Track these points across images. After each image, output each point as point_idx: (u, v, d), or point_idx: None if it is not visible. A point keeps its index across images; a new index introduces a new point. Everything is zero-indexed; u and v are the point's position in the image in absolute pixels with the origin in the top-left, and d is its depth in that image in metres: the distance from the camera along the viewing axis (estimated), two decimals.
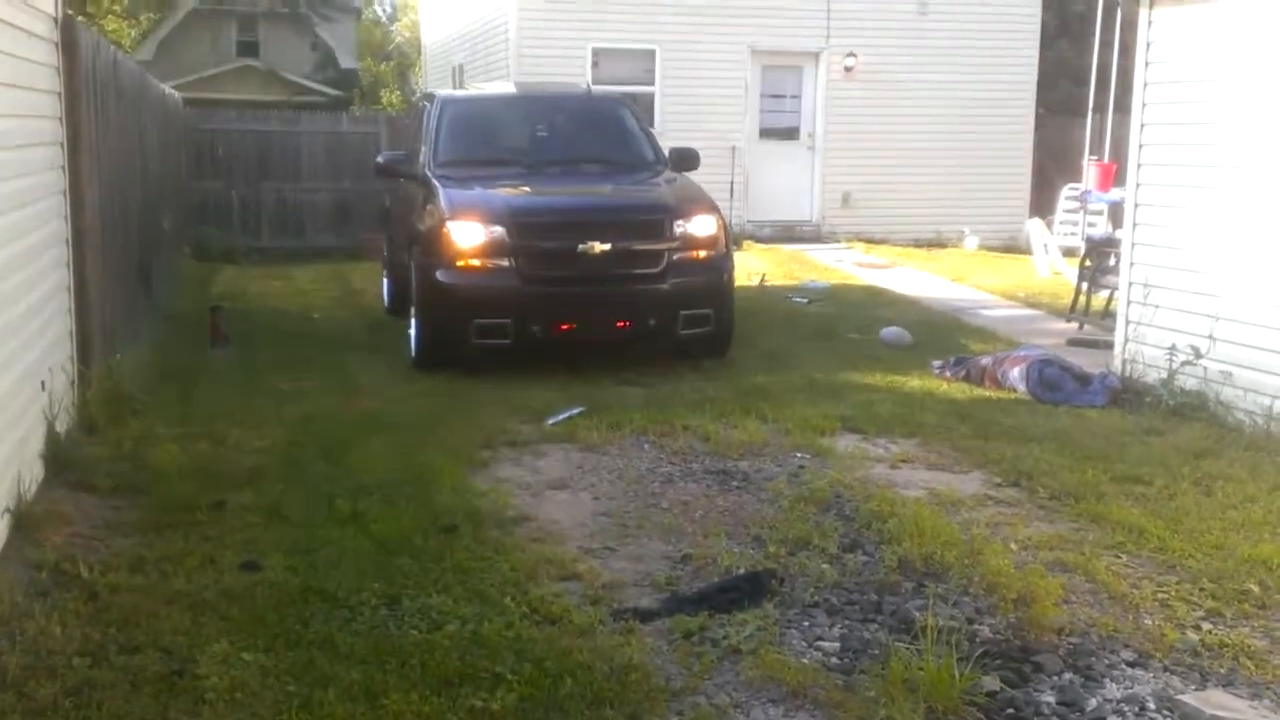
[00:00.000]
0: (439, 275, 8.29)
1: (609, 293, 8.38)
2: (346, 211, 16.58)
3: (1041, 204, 17.67)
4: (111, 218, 7.93)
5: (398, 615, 4.35)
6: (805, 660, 4.10)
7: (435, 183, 8.91)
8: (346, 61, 33.05)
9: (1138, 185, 8.60)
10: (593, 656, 4.04)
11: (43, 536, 4.97)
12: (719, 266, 8.77)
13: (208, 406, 7.41)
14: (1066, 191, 16.55)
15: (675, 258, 8.47)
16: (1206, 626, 4.44)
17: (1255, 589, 4.74)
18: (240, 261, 15.29)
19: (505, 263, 8.22)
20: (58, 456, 5.81)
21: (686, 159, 9.76)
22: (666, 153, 9.86)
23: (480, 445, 6.65)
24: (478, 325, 8.21)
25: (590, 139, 10.15)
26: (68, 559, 4.71)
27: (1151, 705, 3.83)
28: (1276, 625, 4.44)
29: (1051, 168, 18.13)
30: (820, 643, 4.26)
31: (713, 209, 8.87)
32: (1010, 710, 3.78)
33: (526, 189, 9.11)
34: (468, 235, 8.24)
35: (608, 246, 8.24)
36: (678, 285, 8.45)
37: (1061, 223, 16.37)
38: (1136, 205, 8.61)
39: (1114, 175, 14.81)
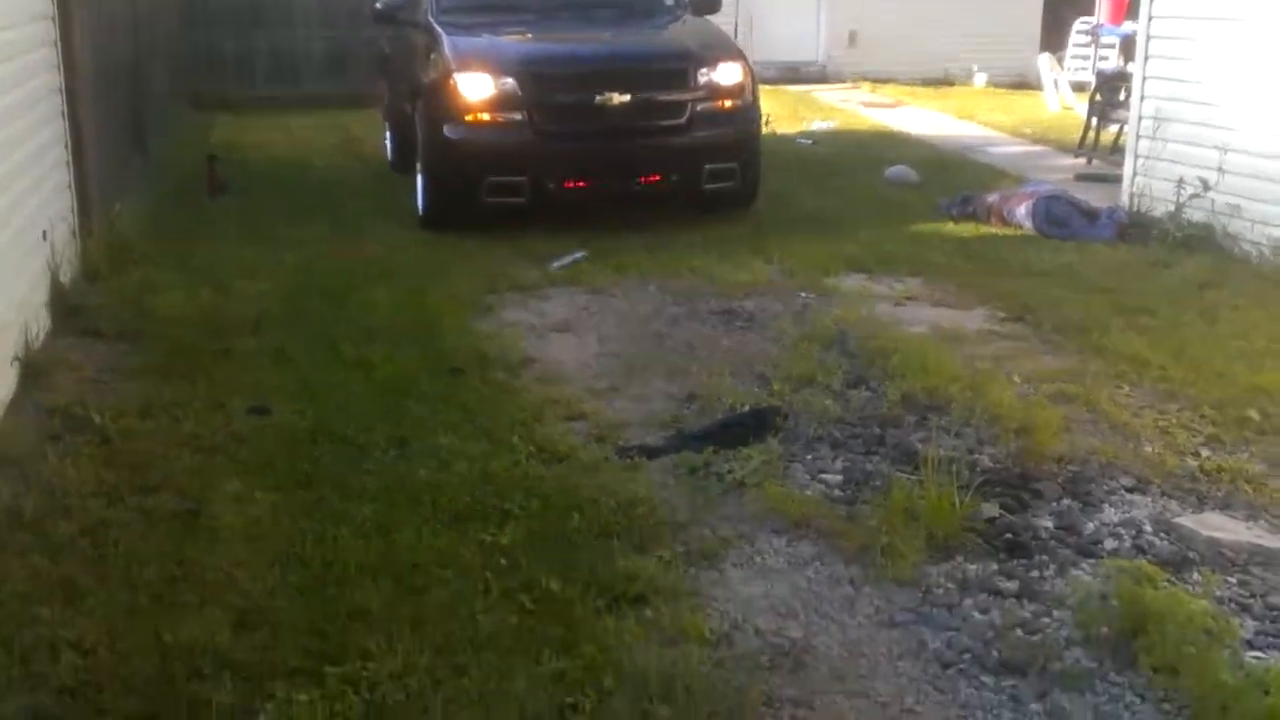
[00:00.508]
0: (447, 131, 7.82)
1: (629, 147, 7.91)
2: (341, 58, 16.21)
3: (1052, 39, 17.23)
4: (103, 68, 7.77)
5: (407, 455, 4.41)
6: (808, 492, 4.17)
7: (439, 31, 8.33)
8: None
9: (1150, 17, 8.39)
10: (599, 492, 4.11)
11: (52, 382, 5.02)
12: (746, 117, 8.27)
13: (209, 254, 7.38)
14: (1078, 25, 16.13)
15: (699, 108, 7.96)
16: (1205, 453, 4.49)
17: (1255, 416, 4.78)
18: (236, 111, 15.05)
19: (518, 116, 7.75)
20: (63, 305, 5.83)
21: (708, 2, 9.18)
22: None
23: (485, 290, 6.65)
24: (490, 183, 7.77)
25: None
26: (78, 404, 4.77)
27: (1148, 528, 3.90)
28: (1275, 450, 4.49)
29: (1062, 2, 17.63)
30: (823, 475, 4.32)
31: (739, 55, 8.38)
32: (1008, 535, 3.85)
33: (538, 37, 8.63)
34: (476, 88, 7.74)
35: (627, 98, 7.78)
36: (702, 138, 7.98)
37: (1072, 57, 16.01)
38: (1149, 37, 8.42)
39: (1126, 7, 14.41)
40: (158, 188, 9.48)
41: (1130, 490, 4.18)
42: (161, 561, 3.62)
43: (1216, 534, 3.81)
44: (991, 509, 3.97)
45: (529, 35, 8.62)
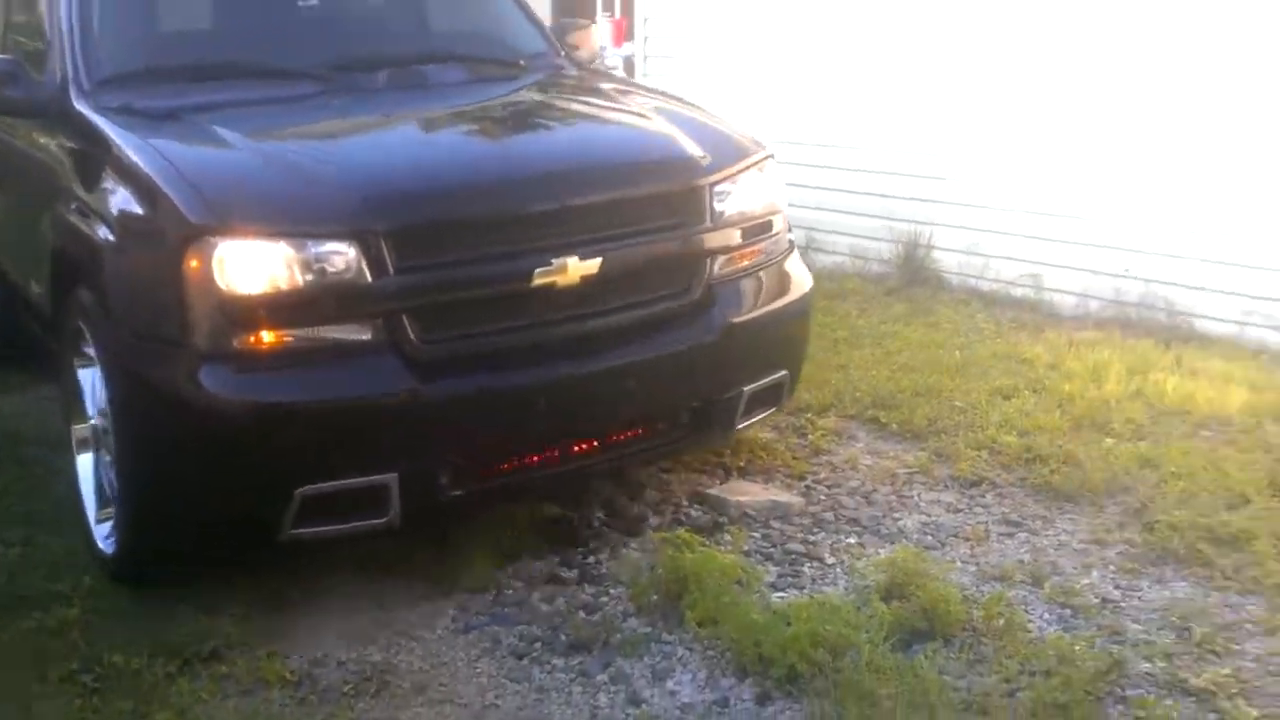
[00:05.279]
0: (194, 381, 3.39)
1: (608, 372, 3.77)
2: None
3: None
4: None
5: None
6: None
7: (114, 135, 3.87)
8: None
9: (645, 39, 9.25)
10: None
11: None
12: (795, 273, 4.37)
13: None
14: None
15: (719, 269, 4.02)
16: None
17: None
18: None
19: (364, 333, 3.45)
20: None
21: (577, 38, 5.40)
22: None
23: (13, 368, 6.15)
24: (308, 498, 3.42)
25: (412, 12, 5.22)
26: None
27: (685, 502, 4.33)
28: (777, 419, 5.05)
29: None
30: None
31: (764, 153, 4.28)
32: (565, 528, 4.14)
33: (362, 129, 4.29)
34: (260, 269, 3.36)
35: (594, 265, 3.66)
36: (736, 330, 3.99)
37: None
38: (645, 58, 9.26)
39: (625, 31, 15.53)
40: None
41: (666, 472, 4.60)
42: None
43: (741, 498, 4.30)
44: (551, 508, 4.24)
45: (343, 127, 4.27)
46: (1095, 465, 4.41)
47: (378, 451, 3.46)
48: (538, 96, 4.81)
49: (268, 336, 3.37)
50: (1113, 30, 6.21)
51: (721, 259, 4.00)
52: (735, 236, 4.04)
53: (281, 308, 3.37)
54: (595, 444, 3.90)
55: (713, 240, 3.97)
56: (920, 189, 7.06)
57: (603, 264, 3.66)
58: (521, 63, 4.98)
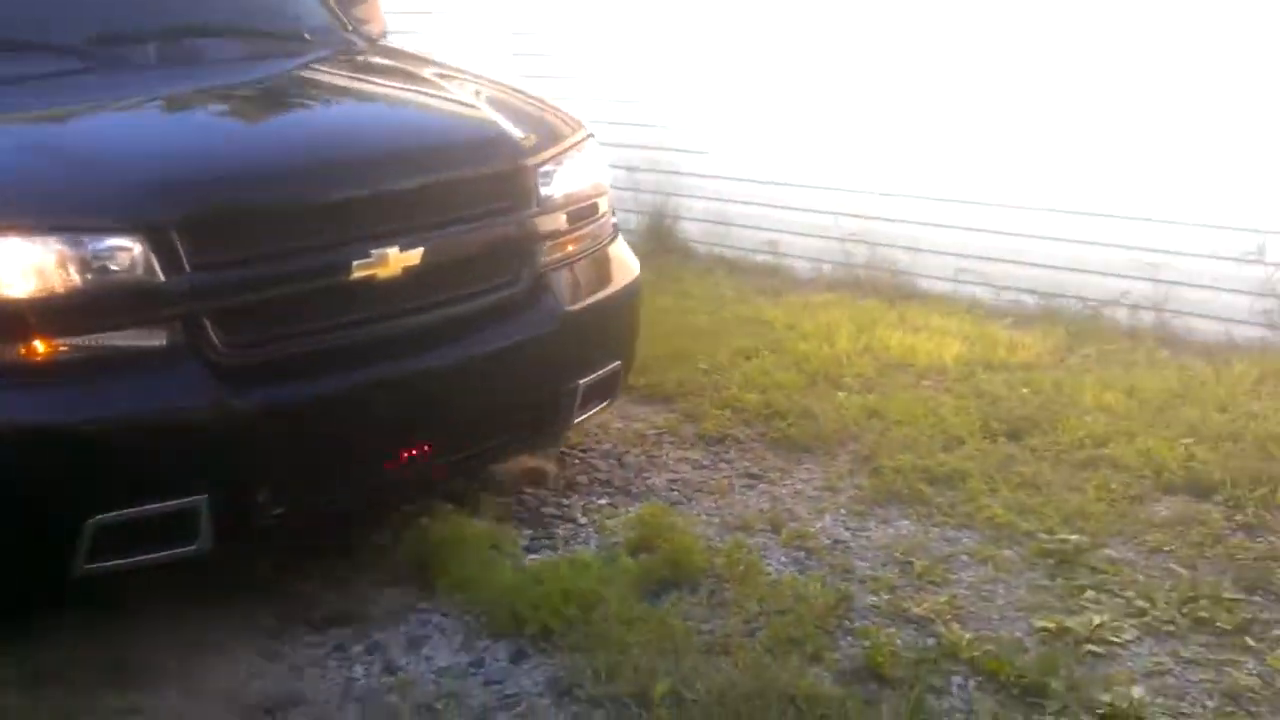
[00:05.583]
0: None
1: (436, 371, 3.53)
2: None
3: None
4: None
5: None
6: None
7: None
8: None
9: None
10: None
11: None
12: (620, 259, 4.23)
13: None
14: None
15: (547, 255, 3.85)
16: None
17: None
18: None
19: (157, 337, 3.12)
20: None
21: (364, 11, 4.98)
22: None
23: None
24: (103, 530, 3.05)
25: None
26: None
27: None
28: None
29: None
30: None
31: (585, 133, 4.16)
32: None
33: (133, 112, 3.86)
34: (28, 270, 2.98)
35: (417, 255, 3.43)
36: (570, 319, 3.83)
37: None
38: (386, 34, 9.13)
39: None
40: None
41: None
42: None
43: (496, 467, 4.35)
44: None
45: (116, 108, 3.85)
46: (828, 418, 4.71)
47: (181, 472, 3.12)
48: (331, 73, 4.43)
49: (40, 346, 3.00)
50: (836, 7, 6.57)
51: (550, 245, 3.83)
52: (562, 220, 3.87)
53: (56, 313, 3.00)
54: (427, 450, 3.61)
55: (541, 225, 3.79)
56: (665, 161, 7.28)
57: (426, 254, 3.42)
58: (307, 37, 4.60)
